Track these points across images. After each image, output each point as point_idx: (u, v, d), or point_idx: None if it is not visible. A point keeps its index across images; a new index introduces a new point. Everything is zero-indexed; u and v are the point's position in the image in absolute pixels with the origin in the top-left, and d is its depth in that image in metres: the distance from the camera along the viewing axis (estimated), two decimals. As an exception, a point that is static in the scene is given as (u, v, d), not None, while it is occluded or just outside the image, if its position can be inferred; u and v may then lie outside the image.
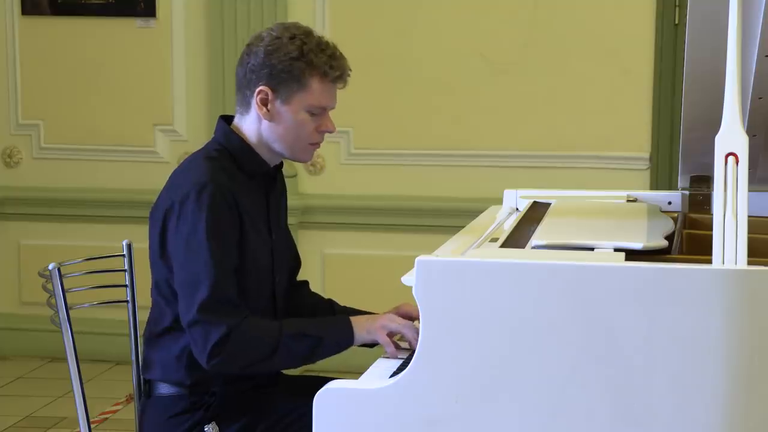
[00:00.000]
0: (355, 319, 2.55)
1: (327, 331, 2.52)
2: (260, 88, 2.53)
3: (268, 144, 2.59)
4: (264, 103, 2.54)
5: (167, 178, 2.62)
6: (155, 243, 2.54)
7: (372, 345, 2.67)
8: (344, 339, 2.52)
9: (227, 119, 2.66)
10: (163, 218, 2.51)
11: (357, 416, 2.13)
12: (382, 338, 2.52)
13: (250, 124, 2.59)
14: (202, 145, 2.70)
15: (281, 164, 2.70)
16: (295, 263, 2.85)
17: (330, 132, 2.62)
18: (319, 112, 2.56)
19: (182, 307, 2.46)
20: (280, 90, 2.52)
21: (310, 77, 2.52)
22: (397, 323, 2.53)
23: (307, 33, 2.55)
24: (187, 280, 2.45)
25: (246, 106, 2.59)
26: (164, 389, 2.59)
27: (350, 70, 2.59)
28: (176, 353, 2.55)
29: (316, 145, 2.63)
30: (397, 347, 2.53)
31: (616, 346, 2.01)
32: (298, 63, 2.50)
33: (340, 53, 2.56)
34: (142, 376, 2.69)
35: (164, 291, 2.55)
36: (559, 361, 2.03)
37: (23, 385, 5.11)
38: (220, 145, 2.61)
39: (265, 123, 2.56)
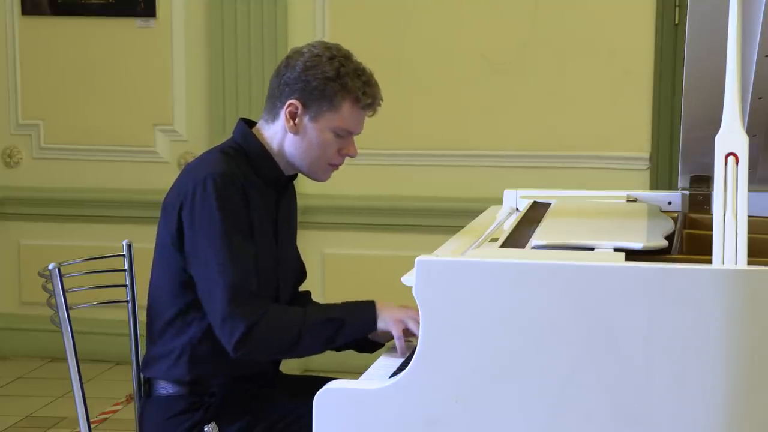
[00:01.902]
0: (381, 305, 2.55)
1: (351, 314, 2.53)
2: (291, 101, 2.55)
3: (287, 157, 2.61)
4: (292, 116, 2.56)
5: (170, 176, 2.62)
6: (170, 234, 2.53)
7: (374, 349, 2.67)
8: (367, 322, 2.53)
9: (248, 123, 2.67)
10: (178, 208, 2.52)
11: (357, 416, 2.13)
12: (397, 332, 2.52)
13: (274, 134, 2.61)
14: (202, 145, 2.71)
15: (295, 174, 2.71)
16: (301, 274, 2.85)
17: (351, 156, 2.65)
18: (345, 135, 2.59)
19: (205, 299, 2.47)
20: (310, 106, 2.55)
21: (342, 100, 2.54)
22: (415, 322, 2.52)
23: (347, 56, 2.57)
24: (209, 272, 2.45)
25: (274, 116, 2.60)
26: (164, 389, 2.60)
27: (382, 99, 2.61)
28: (178, 348, 2.56)
29: (336, 166, 2.65)
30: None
31: (616, 346, 2.01)
32: (332, 84, 2.53)
33: (375, 82, 2.59)
34: (142, 375, 2.69)
35: (171, 284, 2.55)
36: (559, 361, 2.03)
37: (23, 385, 5.11)
38: (237, 144, 2.63)
39: (289, 136, 2.58)
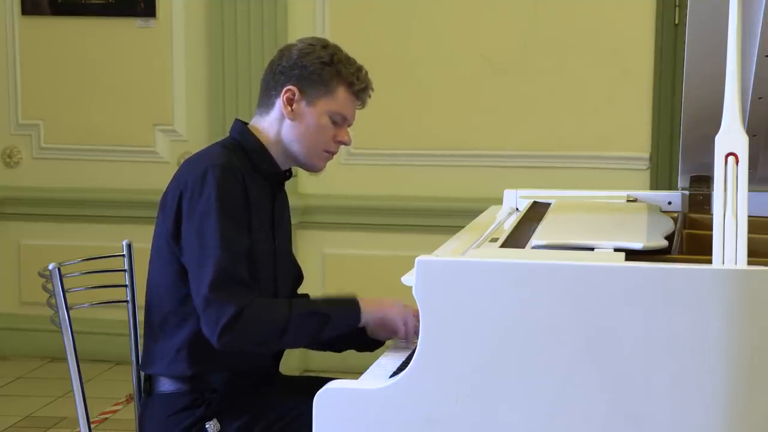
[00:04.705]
0: (364, 300, 2.58)
1: (335, 309, 2.56)
2: (288, 87, 2.60)
3: (285, 145, 2.63)
4: (290, 102, 2.60)
5: (168, 177, 2.63)
6: (168, 225, 2.54)
7: (374, 348, 2.69)
8: (352, 317, 2.56)
9: (242, 122, 2.70)
10: (178, 199, 2.53)
11: (357, 416, 2.13)
12: (392, 314, 2.57)
13: (271, 123, 2.64)
14: (202, 145, 2.72)
15: (290, 174, 2.72)
16: (297, 277, 2.86)
17: (346, 144, 2.69)
18: (340, 121, 2.63)
19: (193, 284, 2.48)
20: (307, 91, 2.60)
21: (338, 84, 2.60)
22: (408, 312, 2.56)
23: (337, 47, 2.65)
24: (199, 258, 2.47)
25: (269, 106, 2.64)
26: (165, 386, 2.60)
27: (372, 89, 2.67)
28: (177, 343, 2.56)
29: (331, 154, 2.67)
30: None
31: (615, 346, 2.01)
32: (328, 68, 2.59)
33: (367, 72, 2.66)
34: (142, 373, 2.69)
35: (169, 277, 2.56)
36: (559, 361, 2.03)
37: (23, 385, 5.11)
38: (234, 140, 2.66)
39: (287, 122, 2.62)
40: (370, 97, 2.67)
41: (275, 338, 2.49)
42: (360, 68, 2.64)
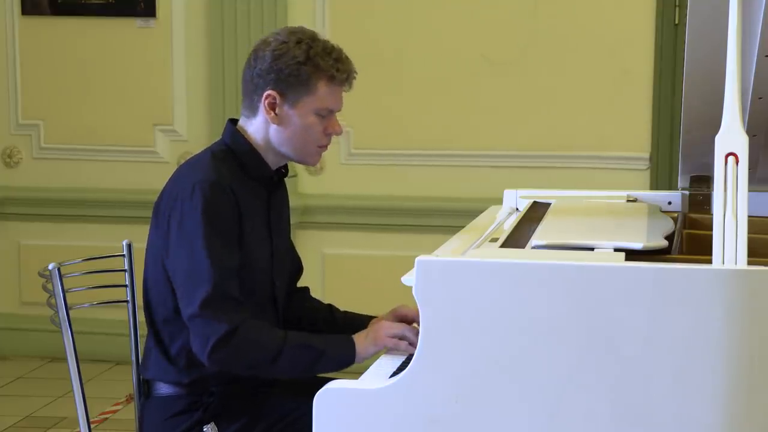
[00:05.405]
0: (357, 338, 2.52)
1: (330, 347, 2.50)
2: (268, 92, 2.54)
3: (275, 147, 2.60)
4: (272, 107, 2.55)
5: (169, 176, 2.63)
6: (159, 239, 2.54)
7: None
8: (346, 357, 2.50)
9: (234, 122, 2.67)
10: (168, 215, 2.51)
11: (357, 416, 2.13)
12: (390, 343, 2.51)
13: (257, 128, 2.60)
14: (202, 145, 2.70)
15: (286, 171, 2.71)
16: (296, 269, 2.85)
17: (337, 134, 2.64)
18: (327, 115, 2.58)
19: (183, 301, 2.46)
20: (287, 94, 2.54)
21: (318, 81, 2.53)
22: (397, 328, 2.52)
23: (313, 37, 2.57)
24: (190, 276, 2.45)
25: (253, 110, 2.59)
26: (163, 389, 2.59)
27: (356, 72, 2.60)
28: (174, 350, 2.56)
29: (324, 147, 2.64)
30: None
31: (616, 346, 2.01)
32: (305, 67, 2.52)
33: (346, 56, 2.58)
34: (141, 376, 2.69)
35: (161, 288, 2.55)
36: (559, 361, 2.03)
37: (23, 385, 5.11)
38: (226, 145, 2.63)
39: (273, 127, 2.58)
40: (354, 79, 2.60)
41: (266, 363, 2.45)
42: (339, 57, 2.55)
